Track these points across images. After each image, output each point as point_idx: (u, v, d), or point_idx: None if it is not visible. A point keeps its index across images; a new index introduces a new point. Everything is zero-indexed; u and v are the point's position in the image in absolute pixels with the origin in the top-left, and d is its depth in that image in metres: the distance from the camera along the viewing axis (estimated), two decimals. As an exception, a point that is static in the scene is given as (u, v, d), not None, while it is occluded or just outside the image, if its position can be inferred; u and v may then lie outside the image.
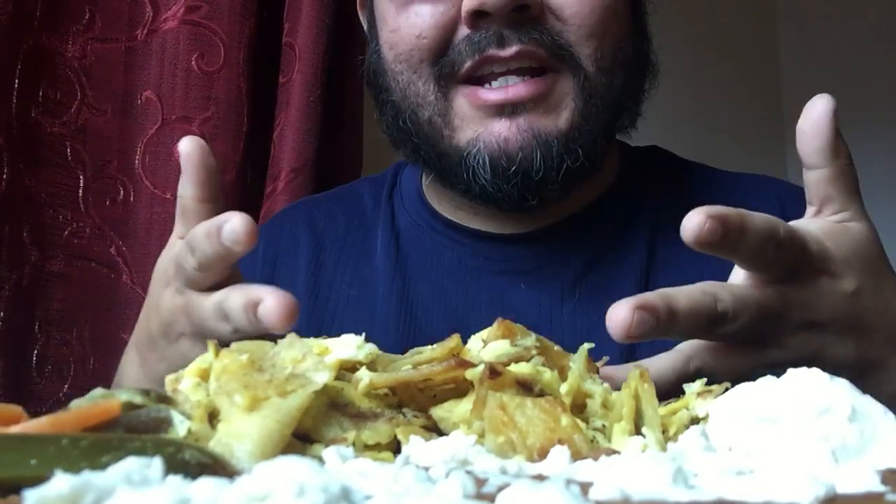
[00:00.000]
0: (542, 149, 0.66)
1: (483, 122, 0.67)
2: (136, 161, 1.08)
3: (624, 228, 0.76)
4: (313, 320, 0.76)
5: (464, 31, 0.67)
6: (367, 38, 0.79)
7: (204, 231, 0.49)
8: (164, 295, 0.55)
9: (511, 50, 0.66)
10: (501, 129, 0.67)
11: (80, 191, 1.04)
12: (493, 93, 0.67)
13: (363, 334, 0.45)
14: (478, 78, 0.68)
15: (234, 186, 1.10)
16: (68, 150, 1.04)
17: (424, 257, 0.77)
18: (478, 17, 0.65)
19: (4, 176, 0.98)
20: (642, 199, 0.78)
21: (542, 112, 0.67)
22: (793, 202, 0.78)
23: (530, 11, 0.65)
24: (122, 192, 1.07)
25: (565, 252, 0.75)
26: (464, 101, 0.68)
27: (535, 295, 0.73)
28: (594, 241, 0.75)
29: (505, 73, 0.67)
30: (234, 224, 0.48)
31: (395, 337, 0.73)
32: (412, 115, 0.71)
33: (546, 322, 0.71)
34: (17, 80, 1.00)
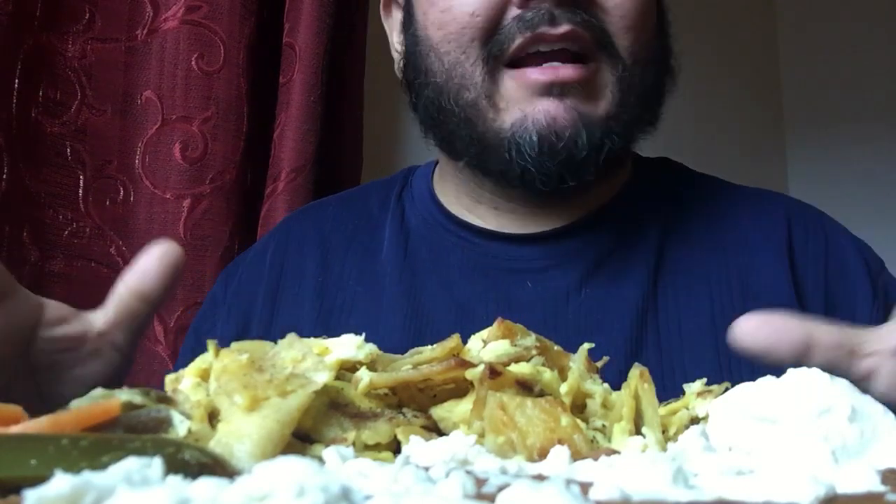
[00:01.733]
0: (588, 130, 0.68)
1: (531, 101, 0.69)
2: (136, 161, 1.08)
3: (633, 232, 0.77)
4: (321, 318, 0.77)
5: (514, 11, 0.69)
6: (403, 27, 0.80)
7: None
8: None
9: (562, 28, 0.67)
10: (550, 108, 0.68)
11: (80, 191, 1.05)
12: (543, 73, 0.68)
13: (363, 334, 0.45)
14: (523, 60, 0.70)
15: (234, 186, 1.10)
16: (68, 150, 1.04)
17: (433, 254, 0.78)
18: None
19: (4, 176, 0.98)
20: (652, 204, 0.79)
21: (585, 96, 0.69)
22: (801, 222, 0.79)
23: None
24: (122, 192, 1.07)
25: (573, 253, 0.76)
26: (511, 82, 0.69)
27: (542, 293, 0.74)
28: (603, 242, 0.76)
29: (549, 55, 0.69)
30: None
31: (402, 333, 0.73)
32: (455, 96, 0.71)
33: (551, 320, 0.72)
34: (17, 80, 1.00)
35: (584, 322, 0.72)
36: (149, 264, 0.52)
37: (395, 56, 0.82)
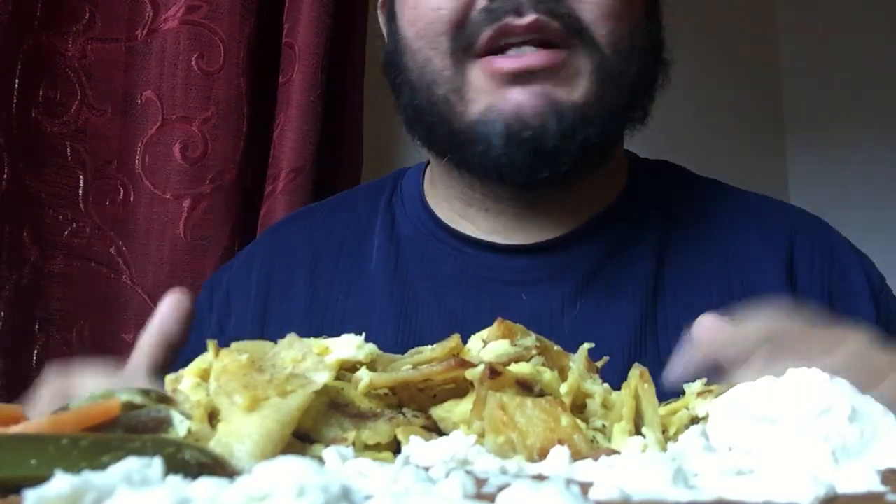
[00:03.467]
0: (558, 117, 0.66)
1: (498, 91, 0.67)
2: (136, 161, 1.08)
3: (629, 242, 0.75)
4: (311, 332, 0.76)
5: (482, 2, 0.67)
6: (386, 31, 0.79)
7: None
8: None
9: (528, 18, 0.66)
10: (516, 96, 0.67)
11: (80, 191, 1.04)
12: (509, 61, 0.67)
13: (363, 334, 0.45)
14: (493, 51, 0.68)
15: (234, 186, 1.10)
16: (68, 150, 1.04)
17: (425, 266, 0.76)
18: None
19: (5, 176, 0.98)
20: (650, 211, 0.77)
21: (556, 82, 0.67)
22: (806, 237, 0.77)
23: None
24: (122, 192, 1.07)
25: (568, 265, 0.74)
26: (479, 73, 0.68)
27: (536, 305, 0.72)
28: (599, 252, 0.74)
29: (521, 44, 0.67)
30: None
31: (393, 347, 0.72)
32: (428, 92, 0.71)
33: (546, 333, 0.70)
34: (17, 80, 1.00)
35: (581, 336, 0.70)
36: (167, 313, 0.55)
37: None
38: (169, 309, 0.55)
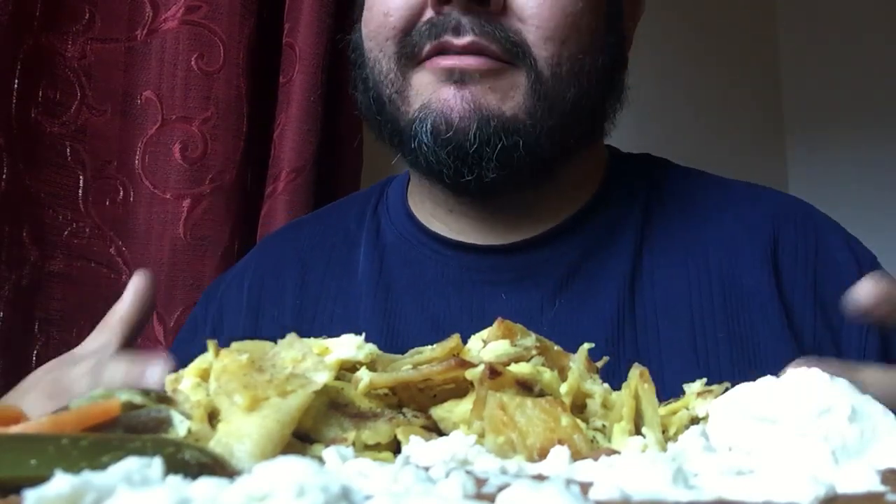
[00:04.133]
0: (480, 122, 0.67)
1: (434, 89, 0.69)
2: (136, 161, 1.08)
3: (607, 238, 0.76)
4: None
5: (429, 13, 0.69)
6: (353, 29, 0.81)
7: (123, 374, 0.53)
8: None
9: (465, 40, 0.67)
10: (447, 97, 0.68)
11: (80, 191, 1.04)
12: (449, 59, 0.68)
13: (363, 334, 0.45)
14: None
15: (234, 187, 1.10)
16: (68, 151, 1.04)
17: (408, 271, 0.77)
18: (442, 1, 0.67)
19: (4, 176, 0.98)
20: (628, 208, 0.77)
21: (488, 88, 0.68)
22: (790, 221, 0.77)
23: (491, 6, 0.67)
24: (121, 192, 1.07)
25: (547, 262, 0.75)
26: (421, 73, 0.70)
27: (516, 304, 0.73)
28: (576, 250, 0.75)
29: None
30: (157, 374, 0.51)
31: (379, 349, 0.73)
32: (377, 91, 0.73)
33: None
34: (16, 80, 1.00)
35: (560, 333, 0.71)
36: (136, 291, 0.63)
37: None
38: (137, 288, 0.62)
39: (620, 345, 0.70)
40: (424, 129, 0.68)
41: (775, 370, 0.70)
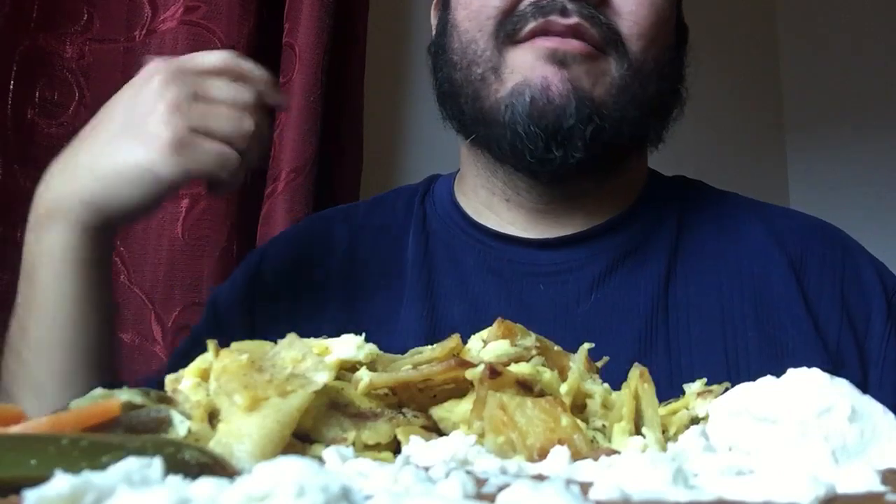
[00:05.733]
0: (579, 102, 0.71)
1: (533, 66, 0.72)
2: (136, 161, 1.07)
3: (644, 243, 0.79)
4: (344, 308, 0.79)
5: None
6: (436, 21, 0.85)
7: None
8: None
9: (571, 20, 0.71)
10: (548, 73, 0.71)
11: (80, 191, 1.04)
12: (549, 40, 0.72)
13: (363, 335, 0.45)
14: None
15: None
16: (67, 151, 1.04)
17: (451, 255, 0.81)
18: None
19: None
20: (665, 219, 0.81)
21: (585, 72, 0.71)
22: (818, 236, 0.80)
23: None
24: (121, 193, 1.07)
25: (586, 259, 0.78)
26: (518, 51, 0.73)
27: (553, 295, 0.76)
28: (615, 251, 0.78)
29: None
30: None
31: (419, 325, 0.76)
32: (467, 71, 0.75)
33: (561, 321, 0.74)
34: (12, 82, 1.00)
35: (594, 325, 0.74)
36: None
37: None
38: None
39: (652, 341, 0.73)
40: (523, 101, 0.71)
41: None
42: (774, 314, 0.74)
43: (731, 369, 0.70)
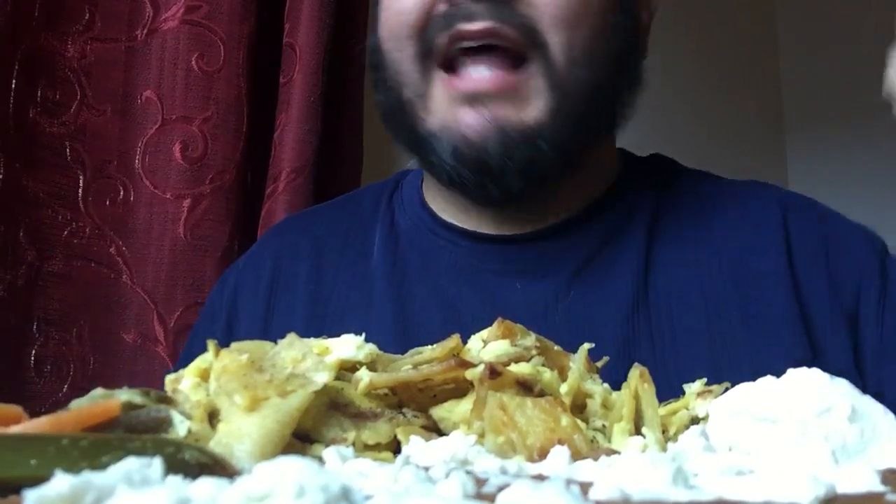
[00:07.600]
0: (502, 138, 0.68)
1: (452, 110, 0.69)
2: (136, 161, 1.08)
3: (620, 231, 0.76)
4: (314, 322, 0.77)
5: (442, 7, 0.69)
6: (370, 39, 0.81)
7: None
8: None
9: (479, 25, 0.67)
10: (466, 118, 0.69)
11: (80, 191, 1.04)
12: (463, 82, 0.69)
13: (363, 334, 0.45)
14: (453, 65, 0.70)
15: (234, 187, 1.10)
16: (68, 150, 1.04)
17: (422, 257, 0.78)
18: None
19: (0, 176, 0.98)
20: (640, 203, 0.78)
21: (507, 103, 0.68)
22: (797, 212, 0.78)
23: None
24: (121, 192, 1.07)
25: (561, 252, 0.75)
26: (440, 87, 0.70)
27: (530, 293, 0.74)
28: (590, 241, 0.76)
29: (477, 51, 0.69)
30: None
31: (393, 335, 0.73)
32: (397, 93, 0.73)
33: (541, 320, 0.71)
34: (14, 81, 1.00)
35: (575, 322, 0.72)
36: None
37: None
38: None
39: (635, 332, 0.71)
40: (444, 149, 0.69)
41: (787, 347, 0.69)
42: (756, 290, 0.72)
43: (718, 365, 0.68)
